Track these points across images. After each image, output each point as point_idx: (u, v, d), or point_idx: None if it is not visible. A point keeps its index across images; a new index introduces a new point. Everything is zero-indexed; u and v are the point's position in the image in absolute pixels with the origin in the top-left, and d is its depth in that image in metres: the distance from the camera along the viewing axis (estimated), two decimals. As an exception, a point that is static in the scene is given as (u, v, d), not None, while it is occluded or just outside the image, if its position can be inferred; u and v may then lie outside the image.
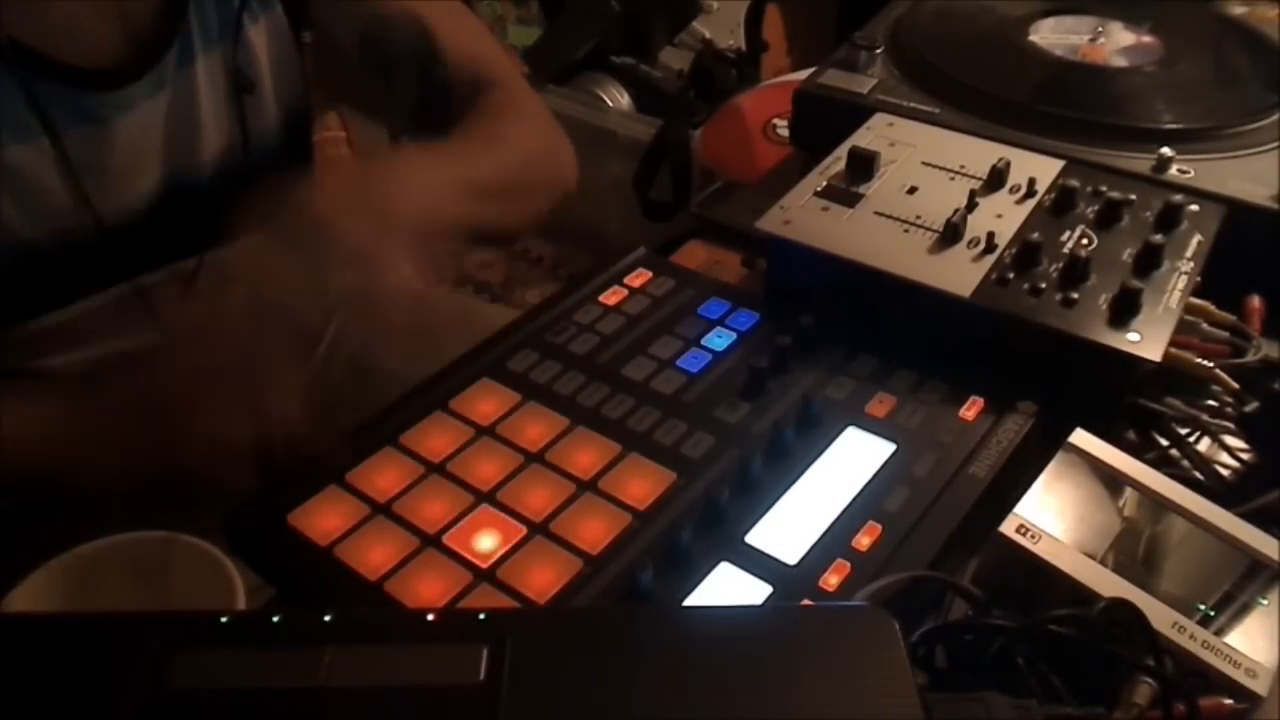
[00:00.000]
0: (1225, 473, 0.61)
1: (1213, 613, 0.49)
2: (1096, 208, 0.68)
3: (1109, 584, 0.49)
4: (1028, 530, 0.51)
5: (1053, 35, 0.88)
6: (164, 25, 0.68)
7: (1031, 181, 0.70)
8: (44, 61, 0.63)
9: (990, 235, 0.65)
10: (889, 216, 0.68)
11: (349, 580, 0.51)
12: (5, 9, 0.61)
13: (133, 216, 0.70)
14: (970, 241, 0.65)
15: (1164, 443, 0.62)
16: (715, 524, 0.53)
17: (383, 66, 0.80)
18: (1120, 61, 0.85)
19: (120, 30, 0.67)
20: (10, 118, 0.63)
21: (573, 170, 0.82)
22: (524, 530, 0.53)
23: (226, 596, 0.50)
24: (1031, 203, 0.69)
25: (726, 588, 0.50)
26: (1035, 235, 0.64)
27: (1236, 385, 0.61)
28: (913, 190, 0.70)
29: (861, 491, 0.55)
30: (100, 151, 0.67)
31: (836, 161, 0.73)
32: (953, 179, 0.71)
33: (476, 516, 0.54)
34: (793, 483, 0.55)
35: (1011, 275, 0.63)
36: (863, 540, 0.52)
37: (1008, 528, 0.51)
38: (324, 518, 0.54)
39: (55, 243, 0.67)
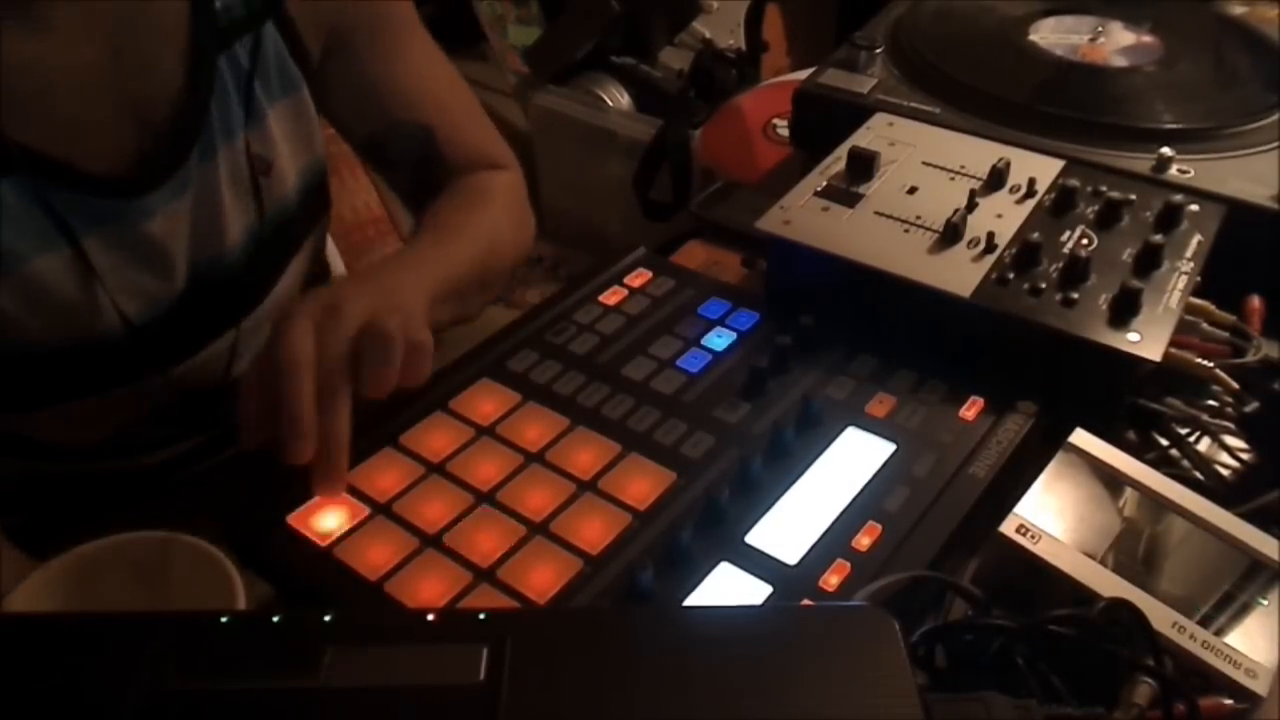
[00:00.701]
0: (1225, 473, 0.61)
1: (1213, 613, 0.49)
2: (1096, 208, 0.68)
3: (1109, 584, 0.49)
4: (1028, 530, 0.51)
5: (1053, 35, 0.88)
6: (186, 127, 0.67)
7: (1031, 181, 0.70)
8: (62, 169, 0.62)
9: (990, 235, 0.65)
10: (889, 216, 0.68)
11: (349, 580, 0.51)
12: (21, 118, 0.60)
13: (161, 309, 0.69)
14: (970, 241, 0.65)
15: (1164, 443, 0.62)
16: (715, 524, 0.53)
17: (385, 162, 0.81)
18: (1120, 61, 0.85)
19: (140, 132, 0.65)
20: (31, 228, 0.61)
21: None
22: (524, 530, 0.53)
23: (226, 596, 0.50)
24: (1031, 203, 0.69)
25: (726, 588, 0.50)
26: (1035, 235, 0.64)
27: (1236, 385, 0.61)
28: (913, 190, 0.70)
29: (861, 491, 0.55)
30: (124, 253, 0.66)
31: (836, 161, 0.73)
32: (953, 179, 0.71)
33: (476, 516, 0.54)
34: (793, 483, 0.55)
35: (1011, 275, 0.63)
36: (863, 540, 0.52)
37: (1008, 528, 0.51)
38: (324, 518, 0.54)
39: (81, 344, 0.67)
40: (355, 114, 0.78)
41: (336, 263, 0.99)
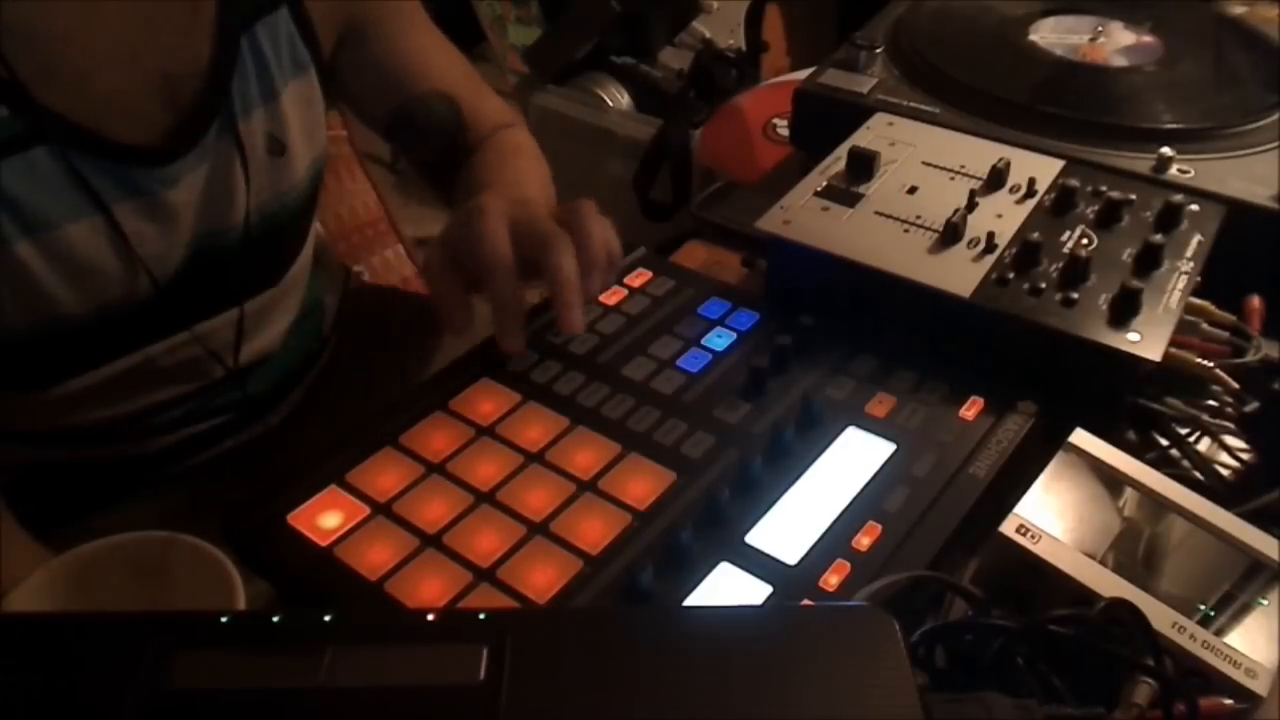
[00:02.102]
0: (1225, 473, 0.61)
1: (1213, 613, 0.49)
2: (1096, 208, 0.68)
3: (1109, 584, 0.49)
4: (1028, 530, 0.51)
5: (1053, 35, 0.88)
6: (208, 99, 0.69)
7: (1031, 181, 0.70)
8: (94, 139, 0.63)
9: (990, 235, 0.65)
10: (889, 216, 0.68)
11: (349, 580, 0.51)
12: (54, 87, 0.61)
13: (169, 279, 0.70)
14: (970, 241, 0.65)
15: (1164, 443, 0.62)
16: (715, 524, 0.53)
17: (411, 137, 0.83)
18: (1120, 61, 0.85)
19: (166, 105, 0.67)
20: (62, 195, 0.63)
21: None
22: (524, 530, 0.53)
23: (226, 596, 0.50)
24: (1031, 203, 0.69)
25: (726, 588, 0.50)
26: (1035, 235, 0.64)
27: (1236, 385, 0.61)
28: (913, 190, 0.70)
29: (861, 491, 0.55)
30: (147, 222, 0.67)
31: (836, 161, 0.73)
32: (953, 179, 0.71)
33: (476, 516, 0.54)
34: (793, 483, 0.55)
35: (1011, 275, 0.63)
36: (863, 540, 0.52)
37: (1008, 528, 0.51)
38: (324, 518, 0.54)
39: (108, 309, 0.68)
40: (376, 93, 0.82)
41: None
